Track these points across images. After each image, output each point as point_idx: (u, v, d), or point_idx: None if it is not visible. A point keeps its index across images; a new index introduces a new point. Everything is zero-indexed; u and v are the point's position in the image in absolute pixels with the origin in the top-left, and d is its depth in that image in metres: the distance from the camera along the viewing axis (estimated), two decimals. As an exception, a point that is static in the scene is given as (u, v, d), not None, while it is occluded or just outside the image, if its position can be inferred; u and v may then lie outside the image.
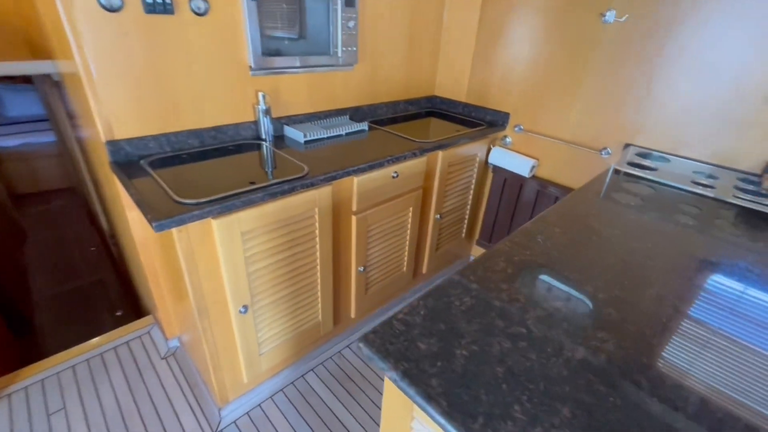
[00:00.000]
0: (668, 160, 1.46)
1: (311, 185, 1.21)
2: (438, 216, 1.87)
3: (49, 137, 3.70)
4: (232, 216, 1.07)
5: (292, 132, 1.58)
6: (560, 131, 1.78)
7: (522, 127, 1.92)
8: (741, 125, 1.31)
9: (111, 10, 1.08)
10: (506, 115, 1.96)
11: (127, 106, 1.20)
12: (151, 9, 1.14)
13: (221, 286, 1.15)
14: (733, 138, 1.33)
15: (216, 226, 1.05)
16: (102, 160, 1.33)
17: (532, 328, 0.65)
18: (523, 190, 1.97)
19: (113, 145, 1.21)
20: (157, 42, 1.19)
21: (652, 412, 0.51)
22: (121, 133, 1.22)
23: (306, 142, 1.54)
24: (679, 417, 0.51)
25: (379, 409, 1.49)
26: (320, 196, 1.28)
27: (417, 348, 0.59)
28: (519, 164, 1.90)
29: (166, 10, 1.17)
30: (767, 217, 1.14)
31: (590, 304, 0.72)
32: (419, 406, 0.51)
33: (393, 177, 1.51)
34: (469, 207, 2.10)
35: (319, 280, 1.43)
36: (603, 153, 1.66)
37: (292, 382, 1.57)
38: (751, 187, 1.25)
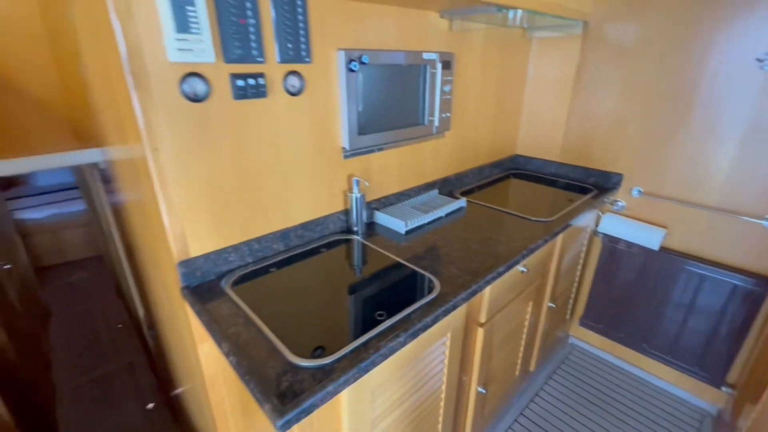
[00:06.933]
0: None
1: (453, 308, 0.90)
2: (552, 304, 1.53)
3: (78, 206, 3.52)
4: (367, 375, 0.75)
5: (386, 219, 1.29)
6: (699, 194, 1.47)
7: (641, 190, 1.61)
8: None
9: (195, 100, 0.83)
10: (618, 176, 1.66)
11: (206, 211, 0.93)
12: (241, 94, 0.89)
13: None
14: None
15: (348, 394, 0.73)
16: (169, 283, 1.04)
17: None
18: (646, 263, 1.63)
19: (187, 265, 0.92)
20: (243, 131, 0.93)
21: None
22: (198, 248, 0.94)
23: (407, 231, 1.25)
24: None
25: None
26: (455, 317, 0.97)
27: None
28: (645, 235, 1.57)
29: (259, 93, 0.92)
30: None
31: None
32: None
33: (522, 272, 1.20)
34: (576, 285, 1.76)
35: (441, 418, 1.08)
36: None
37: None
38: None
